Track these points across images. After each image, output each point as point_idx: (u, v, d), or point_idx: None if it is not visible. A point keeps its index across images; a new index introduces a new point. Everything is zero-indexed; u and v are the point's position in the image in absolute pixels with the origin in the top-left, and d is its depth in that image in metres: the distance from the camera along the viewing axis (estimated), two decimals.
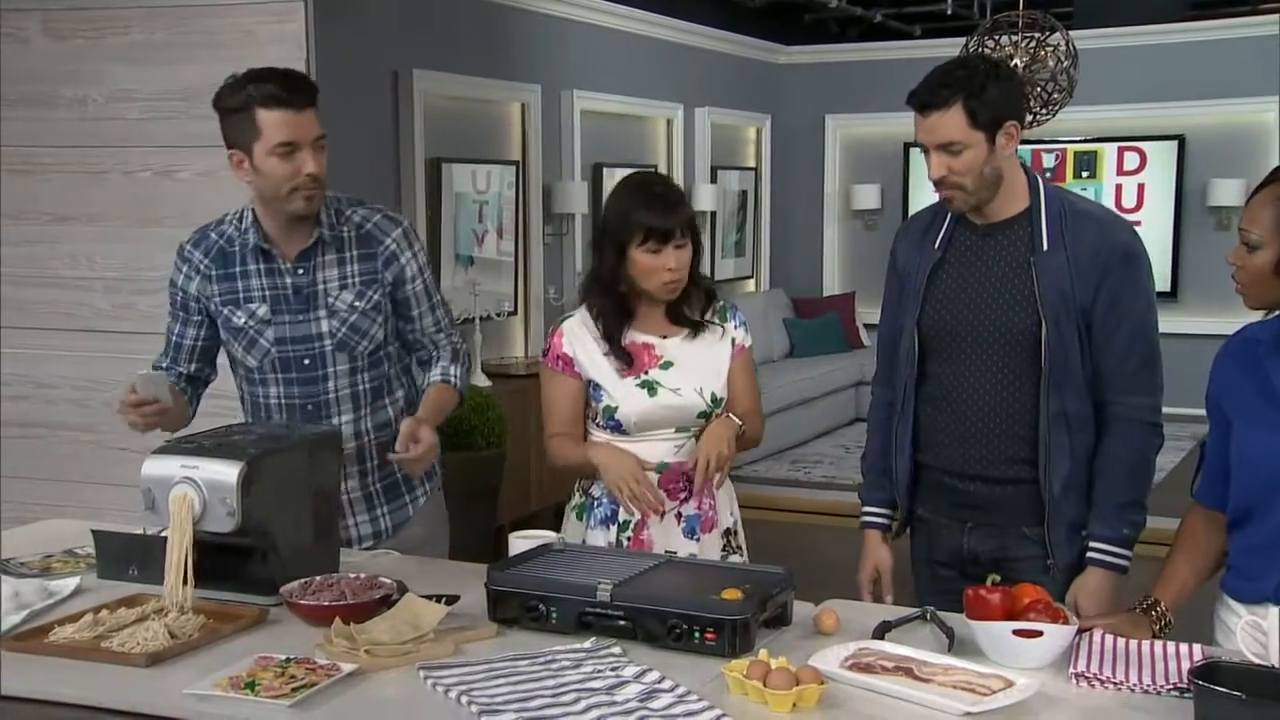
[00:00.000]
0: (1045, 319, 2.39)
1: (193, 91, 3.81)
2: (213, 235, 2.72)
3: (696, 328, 2.66)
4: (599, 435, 2.66)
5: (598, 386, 2.64)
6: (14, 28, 4.01)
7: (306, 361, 2.66)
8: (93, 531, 2.50)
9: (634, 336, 2.64)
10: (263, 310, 2.65)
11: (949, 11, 9.33)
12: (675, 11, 8.36)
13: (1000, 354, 2.45)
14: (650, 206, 2.55)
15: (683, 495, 2.62)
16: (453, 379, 2.73)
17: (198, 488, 2.23)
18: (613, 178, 7.94)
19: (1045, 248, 2.40)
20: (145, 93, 3.90)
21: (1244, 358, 2.12)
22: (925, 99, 2.37)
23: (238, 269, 2.66)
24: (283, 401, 2.69)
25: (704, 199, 8.80)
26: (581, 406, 2.67)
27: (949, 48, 7.49)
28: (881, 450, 2.65)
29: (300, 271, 2.64)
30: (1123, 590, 2.43)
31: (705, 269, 2.77)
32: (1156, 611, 2.12)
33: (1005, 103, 2.37)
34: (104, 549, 2.44)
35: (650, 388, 2.61)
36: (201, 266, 2.69)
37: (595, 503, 2.66)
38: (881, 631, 2.08)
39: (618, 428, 2.63)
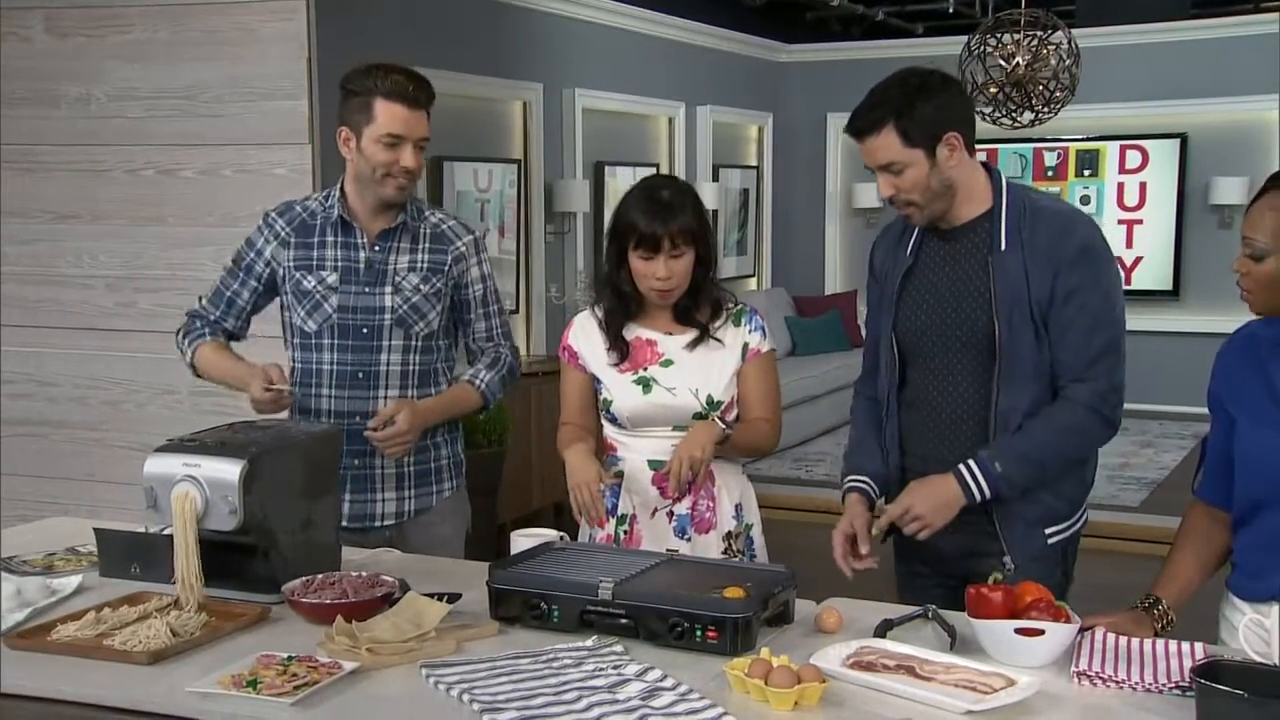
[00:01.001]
0: (998, 317, 2.38)
1: (195, 90, 3.82)
2: (297, 208, 2.88)
3: (702, 331, 2.64)
4: (607, 428, 2.69)
5: (598, 380, 2.67)
6: (17, 26, 4.01)
7: (365, 330, 2.79)
8: (95, 530, 2.50)
9: (639, 331, 2.66)
10: (332, 278, 2.79)
11: (951, 10, 9.32)
12: (677, 10, 8.36)
13: (966, 356, 2.45)
14: (645, 212, 2.55)
15: (675, 494, 2.61)
16: (478, 381, 2.86)
17: (200, 486, 2.23)
18: (614, 176, 7.95)
19: (1003, 247, 2.39)
20: (147, 91, 3.90)
21: (1248, 355, 2.12)
22: (858, 125, 2.38)
23: (315, 239, 2.82)
24: (335, 368, 2.81)
25: (706, 197, 8.69)
26: (590, 398, 2.70)
27: (951, 46, 7.51)
28: (862, 438, 2.62)
29: (376, 249, 2.79)
30: (1051, 562, 2.43)
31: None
32: (1158, 610, 2.12)
33: (940, 116, 2.35)
34: (106, 547, 2.45)
35: (646, 384, 2.62)
36: (282, 233, 2.84)
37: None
38: (883, 630, 2.08)
39: (615, 421, 2.65)
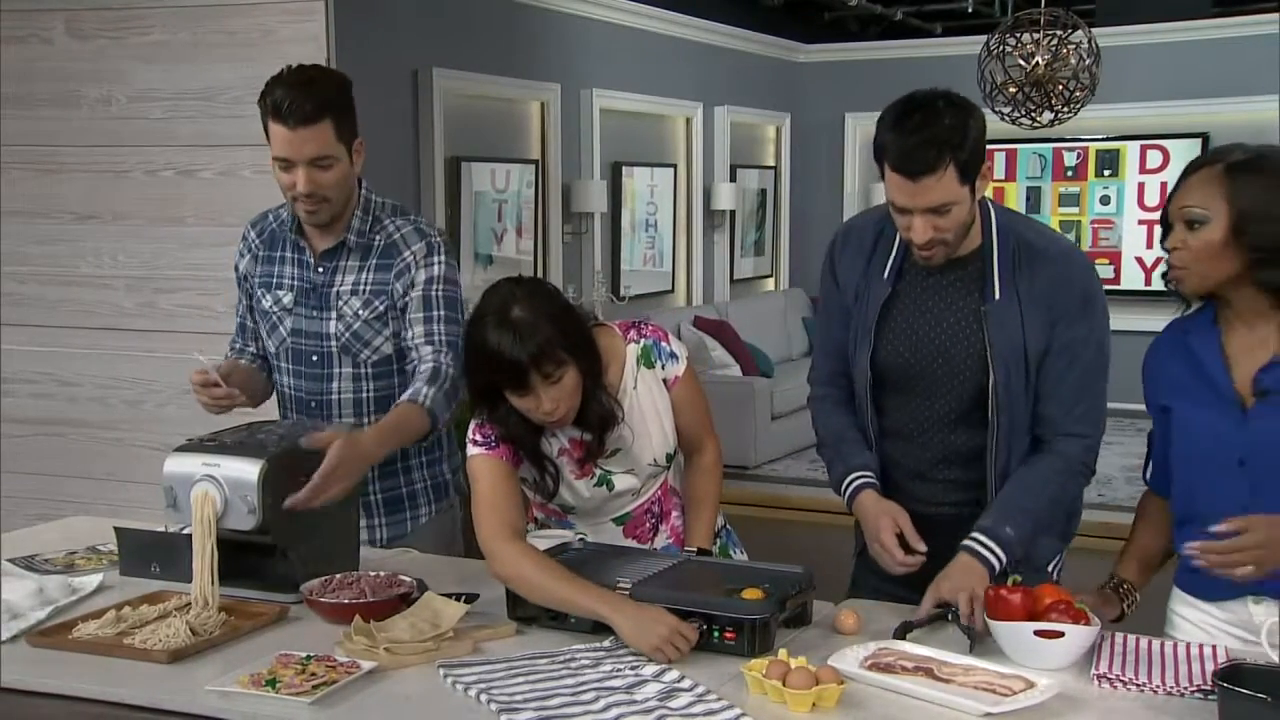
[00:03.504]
0: (995, 373, 2.27)
1: (214, 91, 3.83)
2: (270, 217, 2.76)
3: (597, 447, 2.32)
4: (539, 513, 2.48)
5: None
6: (38, 28, 4.02)
7: (314, 358, 2.66)
8: (115, 528, 2.52)
9: (569, 433, 2.33)
10: (287, 298, 2.67)
11: (970, 9, 9.30)
12: (695, 10, 8.36)
13: (951, 399, 2.34)
14: (500, 343, 2.13)
15: (651, 535, 2.47)
16: (421, 398, 2.46)
17: (219, 485, 2.24)
18: (632, 177, 7.95)
19: (997, 296, 2.26)
20: (167, 92, 3.91)
21: (1174, 346, 2.13)
22: (916, 164, 2.10)
23: (278, 253, 2.69)
24: (292, 393, 2.71)
25: (723, 198, 8.79)
26: (517, 491, 2.32)
27: (970, 45, 7.49)
28: (842, 432, 2.45)
29: (320, 270, 2.64)
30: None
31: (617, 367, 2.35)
32: (1124, 589, 2.17)
33: (981, 144, 2.17)
34: (126, 546, 2.46)
35: (607, 483, 2.39)
36: (253, 245, 2.74)
37: None
38: (902, 632, 2.07)
39: (571, 512, 2.45)
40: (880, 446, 2.42)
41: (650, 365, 2.38)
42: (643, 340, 2.38)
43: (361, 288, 2.61)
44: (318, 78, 2.53)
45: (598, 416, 2.28)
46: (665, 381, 2.39)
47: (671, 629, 1.97)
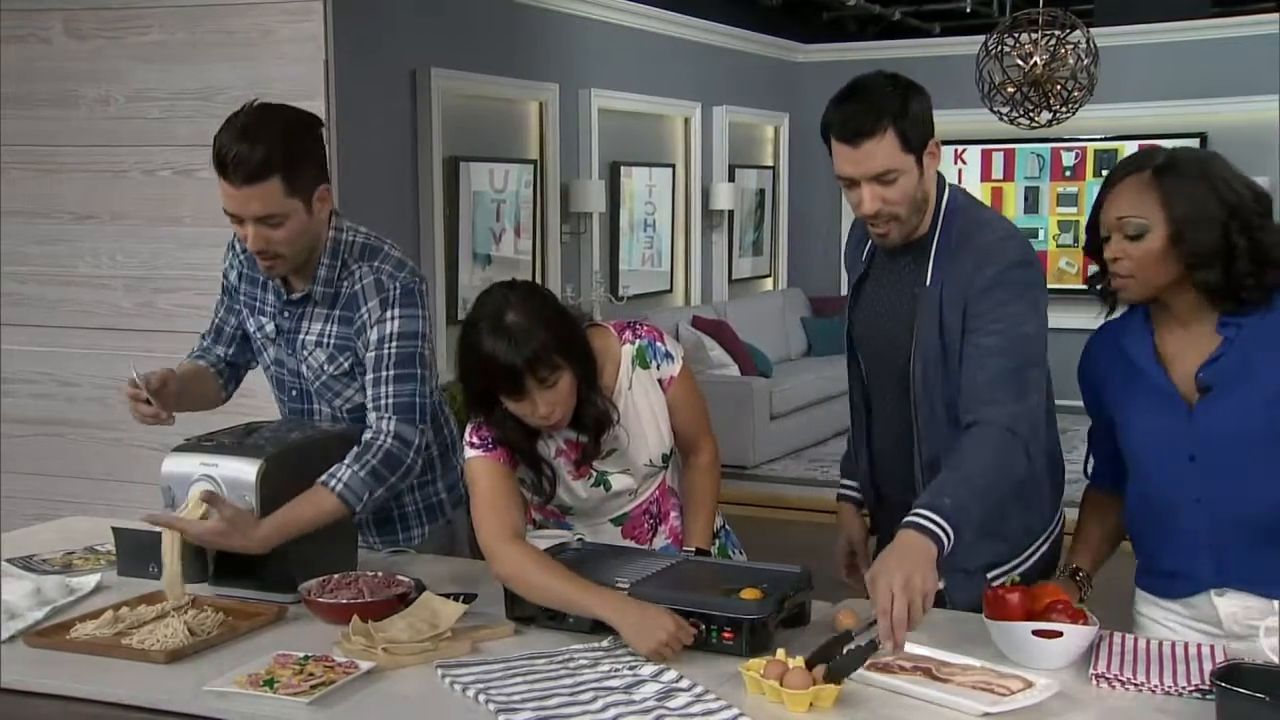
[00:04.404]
0: (914, 359, 2.28)
1: (213, 90, 3.83)
2: None
3: (592, 449, 2.32)
4: (537, 515, 2.46)
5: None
6: (36, 27, 4.03)
7: (294, 392, 2.61)
8: (113, 528, 2.52)
9: (565, 434, 2.33)
10: (269, 327, 2.57)
11: (968, 9, 9.30)
12: (693, 10, 8.36)
13: (895, 382, 2.35)
14: (495, 348, 2.13)
15: (650, 536, 2.46)
16: (333, 482, 2.31)
17: (217, 485, 2.24)
18: (630, 177, 7.95)
19: (928, 282, 2.27)
20: (165, 92, 3.91)
21: (1108, 351, 2.15)
22: (855, 126, 2.17)
23: (260, 276, 2.55)
24: (284, 411, 2.68)
25: (722, 198, 8.80)
26: (515, 491, 2.30)
27: (968, 45, 7.49)
28: (854, 439, 2.55)
29: (286, 315, 2.53)
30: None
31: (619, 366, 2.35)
32: (1079, 577, 2.20)
33: (927, 120, 2.22)
34: (124, 546, 2.46)
35: (604, 483, 2.38)
36: (240, 260, 2.62)
37: None
38: (817, 660, 1.88)
39: (570, 513, 2.44)
40: (871, 429, 2.47)
41: (645, 366, 2.37)
42: (638, 341, 2.37)
43: (326, 339, 2.50)
44: (264, 127, 2.31)
45: (593, 419, 2.28)
46: (661, 382, 2.39)
47: (671, 634, 1.96)
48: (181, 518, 2.23)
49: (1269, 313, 2.01)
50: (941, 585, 2.02)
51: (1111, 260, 2.04)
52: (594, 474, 2.38)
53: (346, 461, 2.33)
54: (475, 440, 2.29)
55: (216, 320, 2.72)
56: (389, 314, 2.42)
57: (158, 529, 2.46)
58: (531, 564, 2.14)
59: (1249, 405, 2.00)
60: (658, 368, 2.38)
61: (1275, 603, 1.99)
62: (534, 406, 2.18)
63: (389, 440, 2.36)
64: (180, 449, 2.33)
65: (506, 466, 2.28)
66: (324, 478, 2.31)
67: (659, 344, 2.39)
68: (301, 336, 2.52)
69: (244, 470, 2.25)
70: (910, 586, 1.91)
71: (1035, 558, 2.39)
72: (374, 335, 2.42)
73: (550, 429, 2.26)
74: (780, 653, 1.90)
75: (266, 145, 2.27)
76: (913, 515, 2.03)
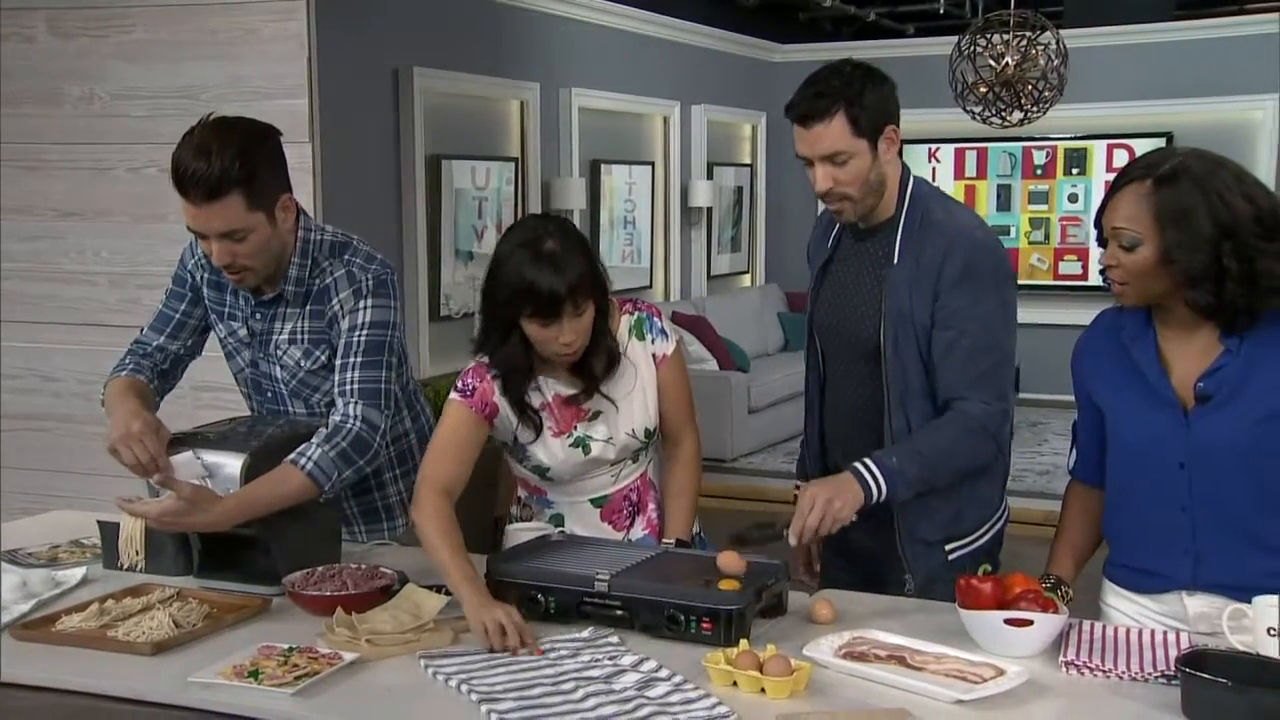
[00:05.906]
0: (885, 335, 2.36)
1: (196, 89, 3.85)
2: None
3: (592, 387, 2.36)
4: (528, 476, 2.49)
5: (523, 446, 2.41)
6: (20, 26, 4.03)
7: (269, 394, 2.62)
8: (98, 522, 2.54)
9: (547, 392, 2.39)
10: (242, 331, 2.57)
11: (941, 11, 9.36)
12: (672, 10, 8.39)
13: (861, 362, 2.43)
14: (537, 272, 2.21)
15: (627, 524, 2.49)
16: (303, 460, 2.32)
17: (204, 467, 2.26)
18: (610, 174, 7.97)
19: (895, 261, 2.36)
20: (149, 90, 3.93)
21: (1108, 343, 2.15)
22: (805, 110, 2.32)
23: (227, 281, 2.53)
24: (258, 413, 2.68)
25: (700, 195, 8.83)
26: (473, 448, 2.36)
27: (941, 46, 7.54)
28: (807, 433, 2.64)
29: (258, 317, 2.54)
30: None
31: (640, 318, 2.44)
32: (1062, 589, 2.16)
33: (883, 107, 2.34)
34: (109, 539, 2.47)
35: (583, 445, 2.40)
36: (203, 263, 2.57)
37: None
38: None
39: (547, 476, 2.46)
40: (822, 414, 2.55)
41: (641, 338, 2.43)
42: (637, 313, 2.44)
43: (300, 336, 2.51)
44: (221, 142, 2.30)
45: (606, 352, 2.35)
46: (654, 357, 2.44)
47: (498, 621, 2.02)
48: (140, 500, 2.25)
49: (1273, 326, 1.99)
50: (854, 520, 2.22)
51: (1107, 266, 2.05)
52: (575, 434, 2.40)
53: (316, 441, 2.35)
54: (459, 384, 2.37)
55: (177, 316, 2.63)
56: (362, 304, 2.46)
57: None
58: (435, 522, 2.23)
59: (1244, 420, 1.99)
60: (652, 342, 2.44)
61: (1259, 598, 2.01)
62: (560, 332, 2.25)
63: (358, 424, 2.38)
64: (167, 443, 2.35)
65: (477, 415, 2.35)
66: (293, 456, 2.32)
67: (656, 320, 2.46)
68: (275, 337, 2.53)
69: (229, 464, 2.27)
70: (831, 505, 2.18)
71: (986, 538, 2.48)
72: (345, 324, 2.46)
73: (565, 360, 2.32)
74: (743, 643, 1.94)
75: (224, 161, 2.28)
76: (859, 461, 2.26)
